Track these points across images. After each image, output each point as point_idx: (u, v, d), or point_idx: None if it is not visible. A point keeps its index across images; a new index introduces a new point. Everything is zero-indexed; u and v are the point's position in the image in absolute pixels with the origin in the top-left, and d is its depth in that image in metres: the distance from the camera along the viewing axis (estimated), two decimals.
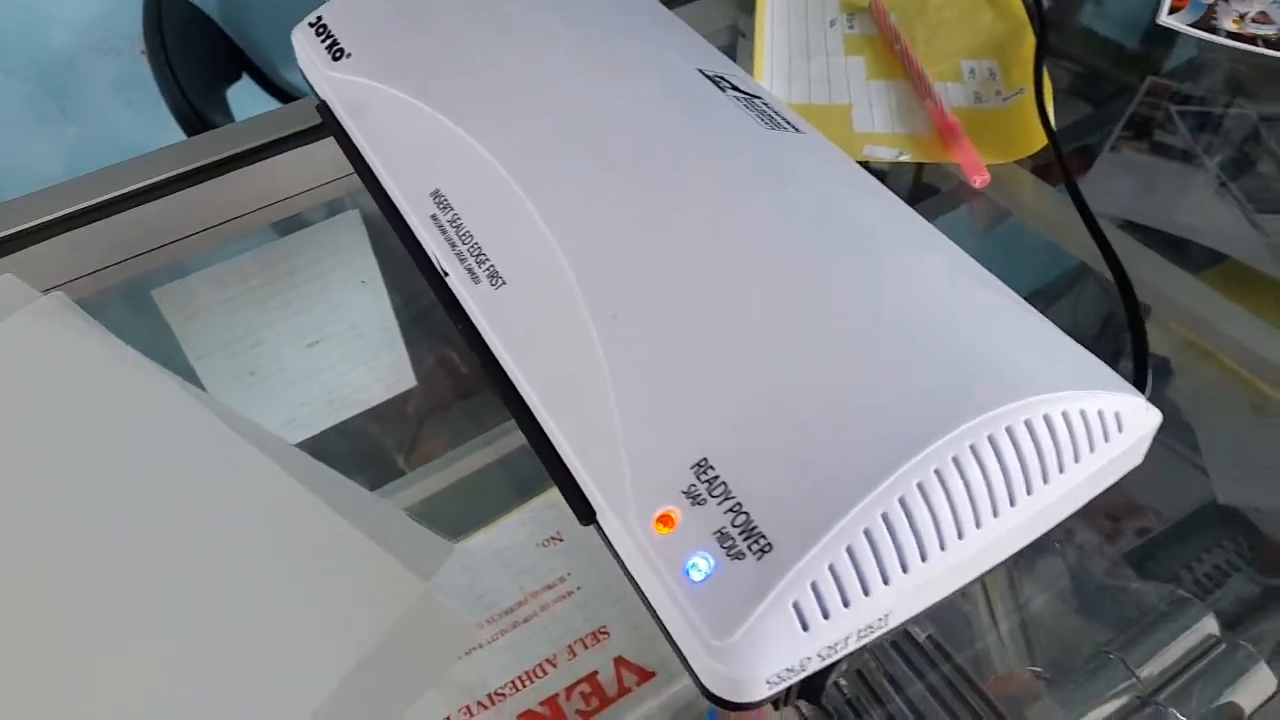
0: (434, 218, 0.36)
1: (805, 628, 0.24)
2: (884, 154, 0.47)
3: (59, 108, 1.10)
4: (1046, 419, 0.26)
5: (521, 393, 0.31)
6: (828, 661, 0.25)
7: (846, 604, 0.24)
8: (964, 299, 0.30)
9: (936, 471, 0.25)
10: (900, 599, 0.25)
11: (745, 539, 0.25)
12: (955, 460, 0.25)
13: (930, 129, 0.48)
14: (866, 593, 0.24)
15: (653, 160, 0.34)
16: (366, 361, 0.61)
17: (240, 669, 0.31)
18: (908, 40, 0.52)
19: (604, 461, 0.28)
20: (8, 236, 0.52)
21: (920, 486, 0.25)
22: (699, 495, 0.26)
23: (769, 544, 0.24)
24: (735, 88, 0.39)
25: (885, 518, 0.24)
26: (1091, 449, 0.27)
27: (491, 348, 0.33)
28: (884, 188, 0.35)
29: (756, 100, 0.38)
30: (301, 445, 0.67)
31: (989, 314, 0.30)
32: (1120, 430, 0.28)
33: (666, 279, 0.30)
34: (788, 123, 0.37)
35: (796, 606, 0.24)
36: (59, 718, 0.30)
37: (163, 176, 0.55)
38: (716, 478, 0.26)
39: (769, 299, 0.29)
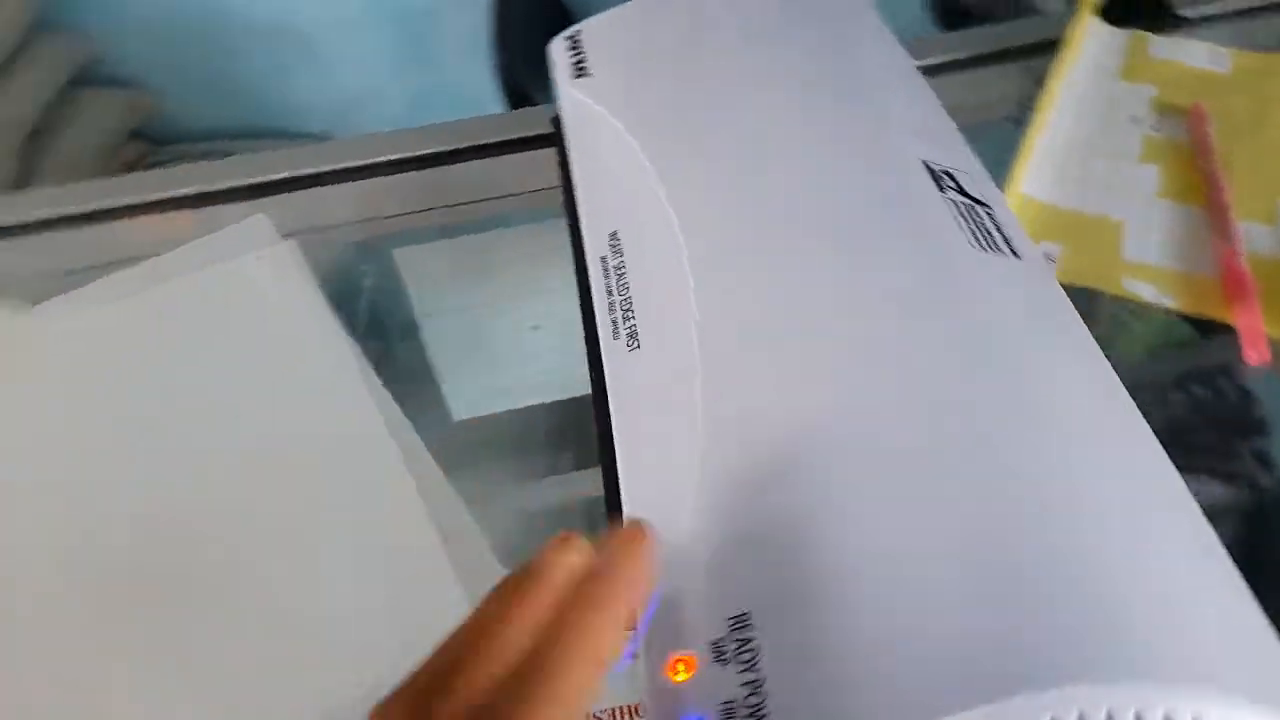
0: (603, 259, 0.36)
1: None
2: (1144, 293, 0.40)
3: (413, 55, 1.21)
4: None
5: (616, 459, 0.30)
6: None
7: None
8: (1155, 548, 0.24)
9: None
10: None
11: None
12: None
13: (1214, 275, 0.40)
14: None
15: (824, 267, 0.31)
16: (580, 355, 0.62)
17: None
18: (1221, 160, 0.43)
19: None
20: (335, 171, 0.56)
21: None
22: (724, 653, 0.23)
23: None
24: (959, 189, 0.34)
25: None
26: None
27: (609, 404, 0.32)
28: (1100, 357, 0.30)
29: (979, 209, 0.34)
30: (500, 416, 0.70)
31: (1172, 567, 0.24)
32: None
33: (788, 407, 0.27)
34: (1008, 244, 0.33)
35: None
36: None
37: (471, 144, 0.57)
38: (750, 641, 0.23)
39: (908, 469, 0.25)
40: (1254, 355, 0.37)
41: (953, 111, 0.39)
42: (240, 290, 0.42)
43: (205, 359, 0.40)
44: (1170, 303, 0.39)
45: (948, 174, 0.35)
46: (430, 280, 0.62)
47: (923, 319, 0.29)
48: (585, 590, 0.22)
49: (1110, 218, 0.43)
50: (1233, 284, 0.39)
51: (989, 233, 0.33)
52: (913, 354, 0.27)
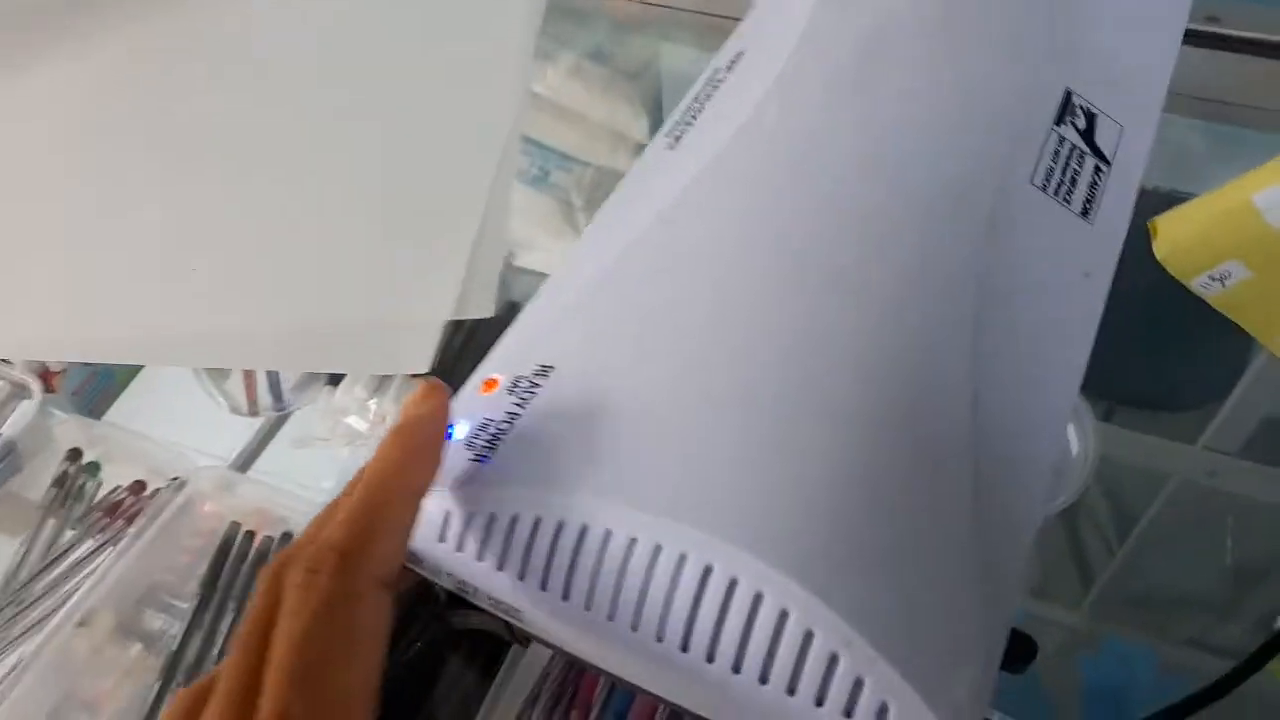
0: (715, 70, 0.36)
1: (442, 539, 0.24)
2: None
3: None
4: None
5: None
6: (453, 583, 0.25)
7: (479, 557, 0.23)
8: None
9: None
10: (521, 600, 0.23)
11: (490, 443, 0.24)
12: None
13: None
14: (481, 559, 0.23)
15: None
16: None
17: None
18: None
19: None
20: None
21: None
22: (517, 387, 0.25)
23: (498, 453, 0.24)
24: (1086, 132, 0.30)
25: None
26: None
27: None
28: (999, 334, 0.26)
29: (1089, 159, 0.30)
30: None
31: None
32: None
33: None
34: (1086, 204, 0.29)
35: (448, 516, 0.23)
36: None
37: None
38: (538, 386, 0.25)
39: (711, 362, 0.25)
40: None
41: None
42: None
43: None
44: None
45: (1087, 113, 0.31)
46: None
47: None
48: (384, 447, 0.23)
49: None
50: None
51: (1073, 182, 0.29)
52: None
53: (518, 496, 0.23)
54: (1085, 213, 0.29)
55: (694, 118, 0.33)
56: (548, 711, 0.50)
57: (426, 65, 0.49)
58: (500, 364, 0.27)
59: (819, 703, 0.20)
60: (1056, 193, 0.29)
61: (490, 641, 0.41)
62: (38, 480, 0.56)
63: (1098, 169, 0.30)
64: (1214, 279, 0.35)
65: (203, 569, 0.50)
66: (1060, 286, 0.27)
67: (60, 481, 0.56)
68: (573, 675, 0.52)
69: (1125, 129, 0.31)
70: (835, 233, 0.26)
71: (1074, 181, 0.29)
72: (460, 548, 0.23)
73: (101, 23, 0.51)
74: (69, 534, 0.53)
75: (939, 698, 0.20)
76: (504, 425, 0.24)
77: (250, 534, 0.54)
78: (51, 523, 0.53)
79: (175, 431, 0.55)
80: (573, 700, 0.51)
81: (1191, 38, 0.36)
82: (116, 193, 0.46)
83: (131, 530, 0.50)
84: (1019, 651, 0.23)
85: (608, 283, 0.27)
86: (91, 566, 0.51)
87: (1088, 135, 0.30)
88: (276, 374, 0.66)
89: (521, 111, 0.45)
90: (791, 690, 0.20)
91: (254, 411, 0.60)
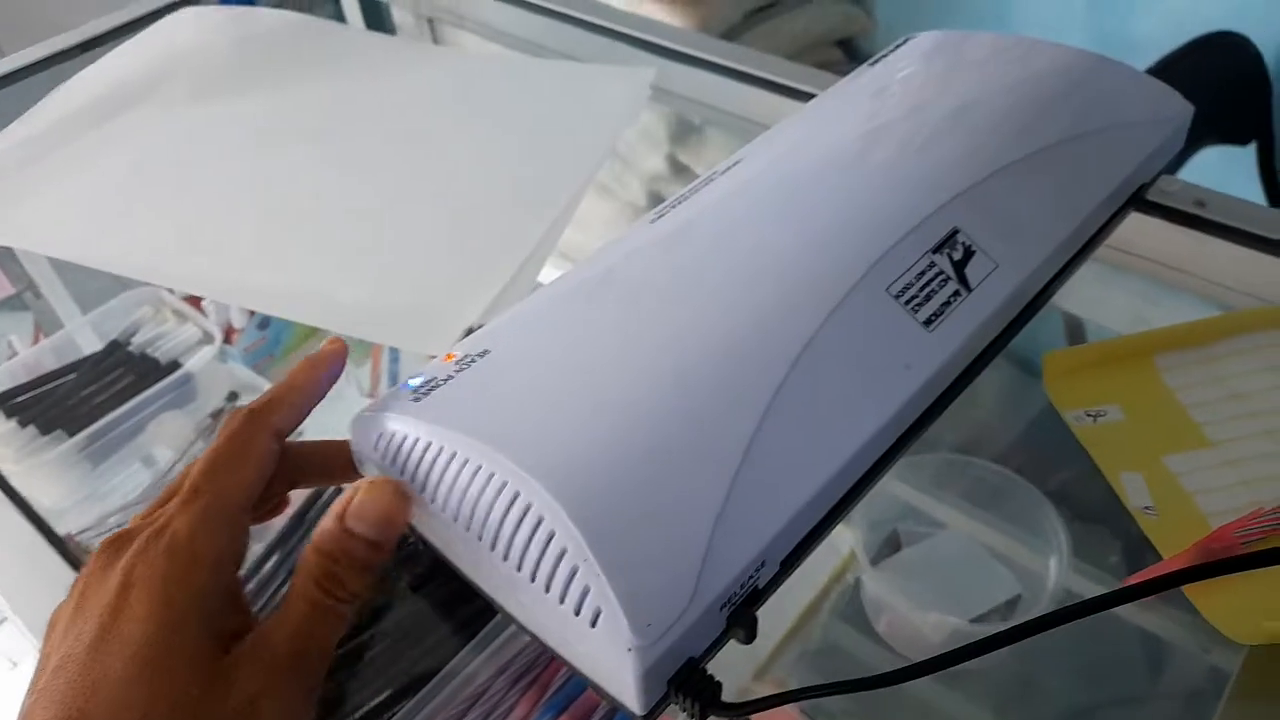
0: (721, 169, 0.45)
1: (375, 448, 0.34)
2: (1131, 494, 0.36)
3: None
4: None
5: None
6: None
7: (393, 463, 0.33)
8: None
9: None
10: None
11: (426, 391, 0.35)
12: None
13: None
14: (394, 465, 0.33)
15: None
16: None
17: None
18: None
19: None
20: None
21: None
22: (463, 362, 0.36)
23: (425, 399, 0.34)
24: (960, 264, 0.37)
25: None
26: None
27: None
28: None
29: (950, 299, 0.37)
30: None
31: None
32: None
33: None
34: (936, 318, 0.36)
35: (382, 433, 0.34)
36: None
37: None
38: (475, 360, 0.35)
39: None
40: None
41: None
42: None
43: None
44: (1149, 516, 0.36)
45: (967, 248, 0.38)
46: None
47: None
48: None
49: (1204, 431, 0.38)
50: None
51: (926, 299, 0.36)
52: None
53: (421, 427, 0.33)
54: (928, 323, 0.36)
55: (675, 206, 0.43)
56: (512, 681, 0.59)
57: (530, 123, 0.63)
58: (463, 346, 0.37)
59: (561, 600, 0.29)
60: (908, 303, 0.36)
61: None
62: (203, 409, 0.72)
63: (956, 293, 0.37)
64: (1090, 415, 0.40)
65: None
66: (877, 367, 0.34)
67: (216, 415, 0.71)
68: (543, 658, 0.61)
69: (1000, 267, 0.38)
70: (701, 282, 0.36)
71: (928, 298, 0.36)
72: (384, 456, 0.34)
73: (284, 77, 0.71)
74: None
75: (639, 620, 0.28)
76: (440, 383, 0.35)
77: (339, 489, 0.67)
78: (200, 444, 0.69)
79: None
80: (535, 680, 0.60)
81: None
82: (279, 186, 0.62)
83: None
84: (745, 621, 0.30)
85: (548, 303, 0.38)
86: None
87: (960, 265, 0.38)
88: (396, 367, 0.80)
89: (588, 180, 0.57)
90: (546, 588, 0.29)
91: (375, 396, 0.74)
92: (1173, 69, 1.11)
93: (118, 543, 0.32)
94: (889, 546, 0.66)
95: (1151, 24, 1.25)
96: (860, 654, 0.64)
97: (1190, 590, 0.33)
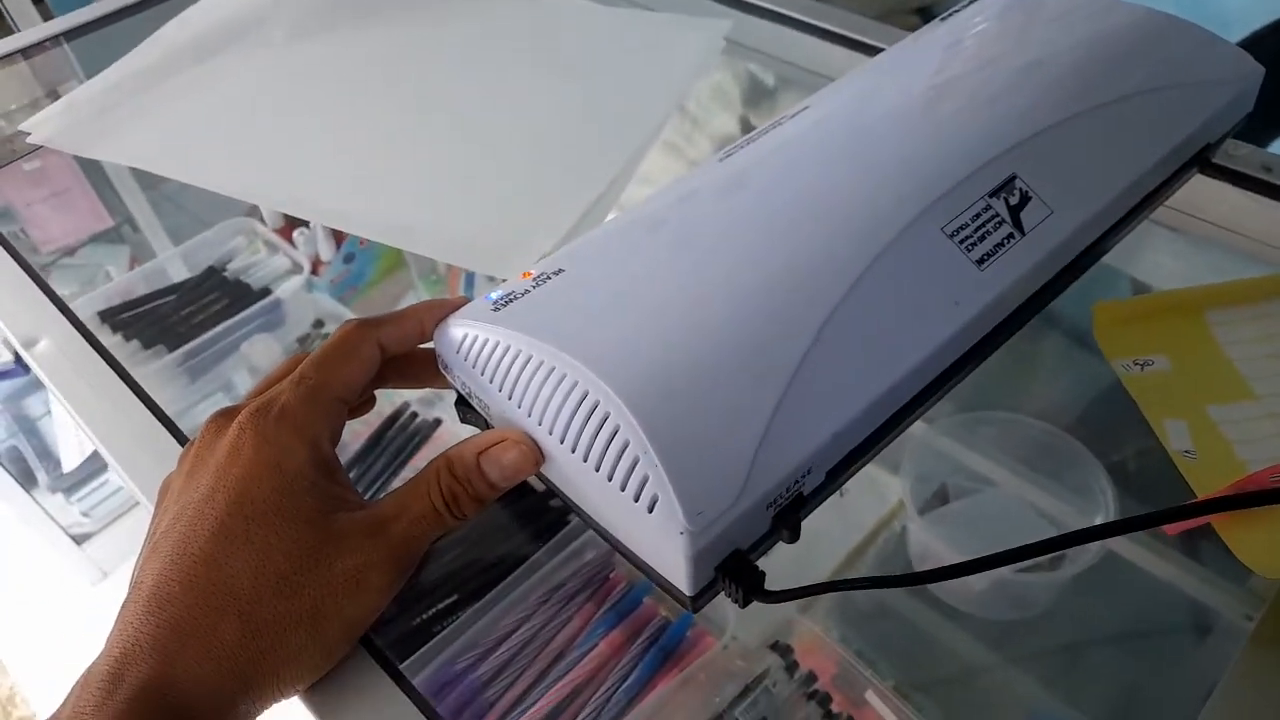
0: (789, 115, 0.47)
1: (458, 351, 0.37)
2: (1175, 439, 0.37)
3: None
4: None
5: None
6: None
7: (474, 366, 0.37)
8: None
9: None
10: (490, 395, 0.36)
11: (505, 303, 0.38)
12: None
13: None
14: (475, 367, 0.36)
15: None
16: None
17: None
18: None
19: None
20: None
21: None
22: (540, 278, 0.39)
23: (504, 309, 0.37)
24: (1016, 206, 0.39)
25: None
26: None
27: None
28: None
29: (1001, 228, 0.38)
30: None
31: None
32: None
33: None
34: (988, 257, 0.38)
35: (464, 338, 0.37)
36: None
37: None
38: (549, 279, 0.38)
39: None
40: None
41: None
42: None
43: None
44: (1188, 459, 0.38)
45: (1024, 194, 0.39)
46: None
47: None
48: None
49: (1250, 385, 0.39)
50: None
51: (980, 239, 0.38)
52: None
53: (499, 332, 0.36)
54: (980, 262, 0.38)
55: (743, 146, 0.45)
56: (569, 596, 0.63)
57: (600, 73, 0.66)
58: (540, 266, 0.40)
59: (622, 488, 0.32)
60: (962, 242, 0.38)
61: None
62: (291, 334, 0.76)
63: (1010, 236, 0.39)
64: (1137, 363, 0.41)
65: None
66: (927, 299, 0.36)
67: (303, 340, 0.76)
68: (598, 577, 0.64)
69: (1055, 213, 0.40)
70: (765, 213, 0.38)
71: (982, 239, 0.38)
72: (466, 359, 0.37)
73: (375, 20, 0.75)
74: None
75: (692, 508, 0.31)
76: (518, 296, 0.38)
77: (414, 414, 0.72)
78: None
79: None
80: (594, 594, 0.63)
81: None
82: (369, 123, 0.66)
83: None
84: (792, 521, 0.33)
85: (618, 230, 0.40)
86: None
87: (1015, 209, 0.39)
88: (470, 291, 0.84)
89: (656, 130, 0.60)
90: (610, 477, 0.32)
91: None
92: (1263, 44, 1.08)
93: (230, 413, 0.35)
94: (937, 499, 0.68)
95: None
96: (901, 600, 0.66)
97: (1221, 526, 0.35)
